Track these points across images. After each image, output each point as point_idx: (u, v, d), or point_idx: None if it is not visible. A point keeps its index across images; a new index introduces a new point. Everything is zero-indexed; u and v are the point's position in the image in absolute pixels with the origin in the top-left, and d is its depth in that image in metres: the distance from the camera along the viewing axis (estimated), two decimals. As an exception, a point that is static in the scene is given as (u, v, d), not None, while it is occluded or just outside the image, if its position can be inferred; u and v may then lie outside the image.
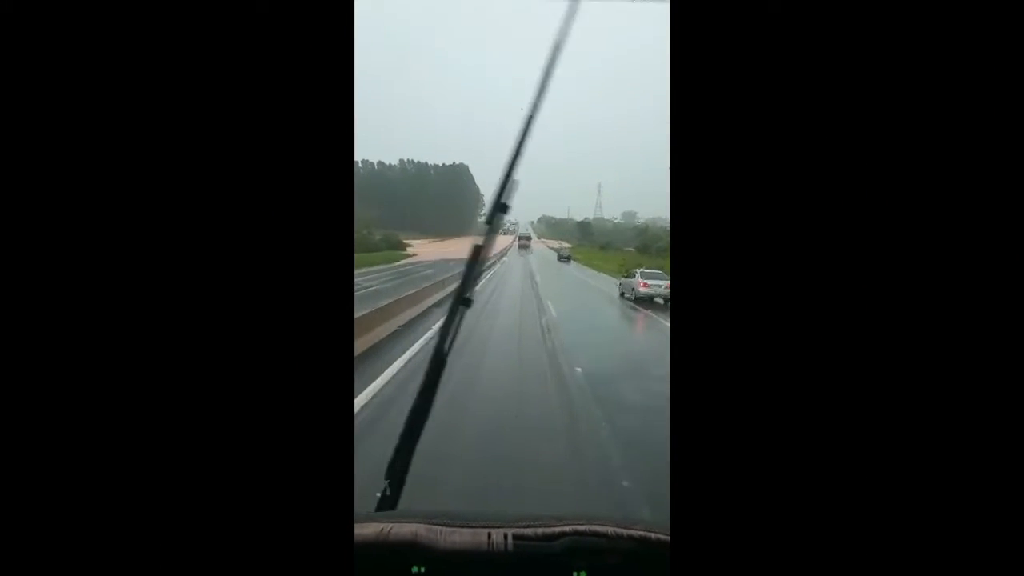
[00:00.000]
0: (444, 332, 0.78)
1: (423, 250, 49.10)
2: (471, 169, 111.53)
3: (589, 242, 73.73)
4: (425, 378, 0.79)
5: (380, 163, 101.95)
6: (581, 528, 0.60)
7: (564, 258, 39.79)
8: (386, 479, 0.78)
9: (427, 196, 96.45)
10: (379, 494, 0.78)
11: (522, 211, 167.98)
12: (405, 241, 52.86)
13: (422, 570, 0.58)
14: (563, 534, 0.60)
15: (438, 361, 0.79)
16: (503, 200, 0.76)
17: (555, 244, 76.59)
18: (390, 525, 0.59)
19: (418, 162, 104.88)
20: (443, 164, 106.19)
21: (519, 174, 0.75)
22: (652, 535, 0.60)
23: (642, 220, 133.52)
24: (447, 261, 29.36)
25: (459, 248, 55.90)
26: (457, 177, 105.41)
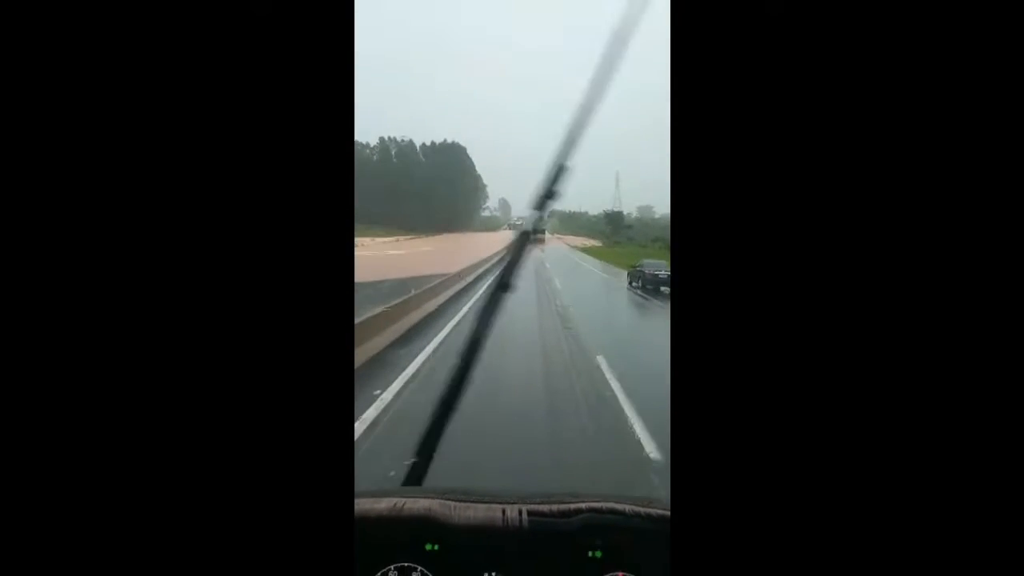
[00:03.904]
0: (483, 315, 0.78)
1: (380, 250, 28.90)
2: (469, 151, 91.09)
3: (627, 239, 53.12)
4: (460, 360, 0.77)
5: (355, 142, 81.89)
6: (598, 505, 0.60)
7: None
8: (416, 455, 0.75)
9: (411, 183, 76.28)
10: (408, 464, 0.75)
11: (527, 205, 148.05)
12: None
13: (435, 548, 0.58)
14: (579, 511, 0.60)
15: (474, 342, 0.77)
16: (554, 187, 0.74)
17: (577, 241, 56.41)
18: (403, 500, 0.60)
19: (401, 141, 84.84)
20: (433, 143, 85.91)
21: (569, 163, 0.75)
22: (671, 514, 0.59)
23: (658, 215, 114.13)
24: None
25: (434, 249, 33.00)
26: (451, 160, 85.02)
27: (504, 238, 47.97)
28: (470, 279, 14.25)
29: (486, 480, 3.06)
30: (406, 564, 0.58)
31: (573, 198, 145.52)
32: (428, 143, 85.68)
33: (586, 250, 38.97)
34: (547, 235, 60.91)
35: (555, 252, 34.14)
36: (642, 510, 0.60)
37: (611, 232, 58.44)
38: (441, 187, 78.30)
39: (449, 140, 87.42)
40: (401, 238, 46.63)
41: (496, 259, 23.20)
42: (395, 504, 0.59)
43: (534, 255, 26.88)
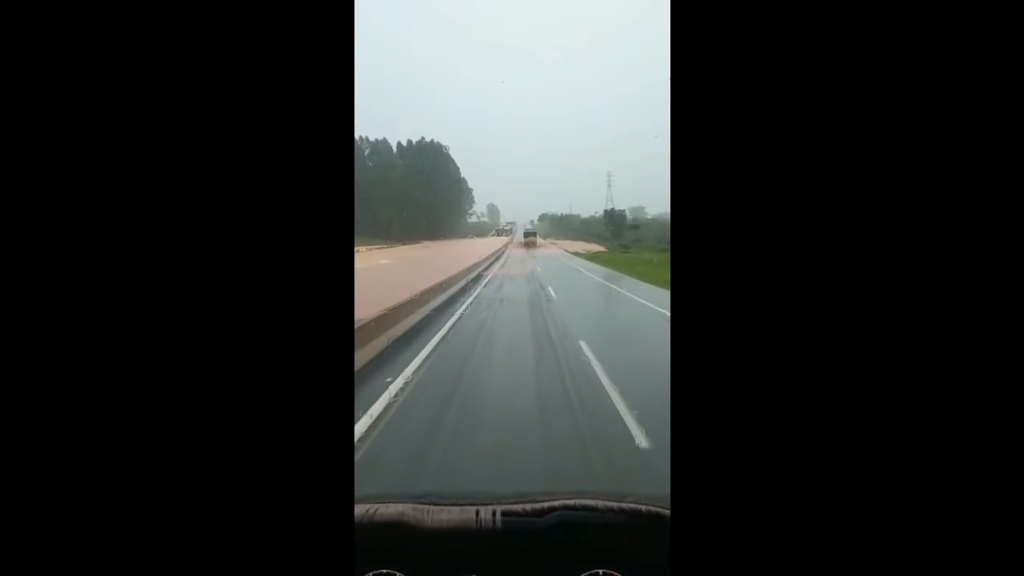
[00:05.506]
0: None
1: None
2: (451, 152, 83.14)
3: (633, 241, 45.29)
4: None
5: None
6: (570, 503, 0.61)
7: None
8: None
9: (386, 187, 68.15)
10: None
11: (517, 210, 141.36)
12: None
13: (410, 552, 0.57)
14: (552, 509, 0.60)
15: None
16: None
17: (576, 246, 48.81)
18: (376, 506, 0.60)
19: (375, 140, 76.74)
20: (410, 141, 77.92)
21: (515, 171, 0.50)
22: (643, 507, 0.61)
23: (651, 215, 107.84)
24: None
25: (394, 262, 24.28)
26: (429, 160, 77.04)
27: (488, 246, 38.91)
28: (397, 332, 6.33)
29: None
30: (384, 571, 0.57)
31: (559, 201, 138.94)
32: (404, 142, 77.73)
33: (593, 258, 30.78)
34: (539, 239, 53.13)
35: (554, 263, 24.64)
36: (615, 505, 0.60)
37: (611, 236, 50.78)
38: (417, 191, 70.35)
39: (428, 138, 79.51)
40: (362, 249, 38.78)
41: (473, 275, 15.44)
42: (367, 510, 0.58)
43: (528, 268, 16.66)
